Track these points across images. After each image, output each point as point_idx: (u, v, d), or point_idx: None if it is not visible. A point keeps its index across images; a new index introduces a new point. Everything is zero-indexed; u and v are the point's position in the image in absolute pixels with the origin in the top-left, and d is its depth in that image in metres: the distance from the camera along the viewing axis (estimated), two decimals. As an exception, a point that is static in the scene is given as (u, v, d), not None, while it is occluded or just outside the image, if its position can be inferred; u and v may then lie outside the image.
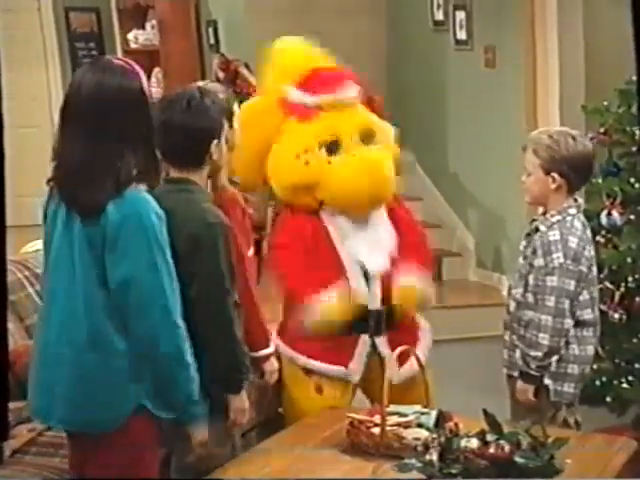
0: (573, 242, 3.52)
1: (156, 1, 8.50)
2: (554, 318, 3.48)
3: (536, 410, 3.49)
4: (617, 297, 4.66)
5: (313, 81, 3.80)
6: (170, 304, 2.80)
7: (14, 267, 4.02)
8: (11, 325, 3.74)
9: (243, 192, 3.62)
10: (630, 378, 4.65)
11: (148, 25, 9.11)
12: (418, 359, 3.49)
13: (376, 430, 3.14)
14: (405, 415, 3.22)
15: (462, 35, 7.19)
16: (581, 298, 3.55)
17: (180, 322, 2.83)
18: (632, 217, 4.71)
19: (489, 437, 2.80)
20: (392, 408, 3.21)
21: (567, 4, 6.43)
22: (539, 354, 3.51)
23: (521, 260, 3.64)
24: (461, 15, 7.17)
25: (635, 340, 4.65)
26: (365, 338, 3.78)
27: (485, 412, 2.87)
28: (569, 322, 3.51)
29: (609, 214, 4.71)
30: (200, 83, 3.56)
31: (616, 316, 4.64)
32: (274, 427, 3.72)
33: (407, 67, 7.91)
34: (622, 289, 4.66)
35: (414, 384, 3.68)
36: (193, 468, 3.21)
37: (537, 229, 3.59)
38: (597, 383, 4.58)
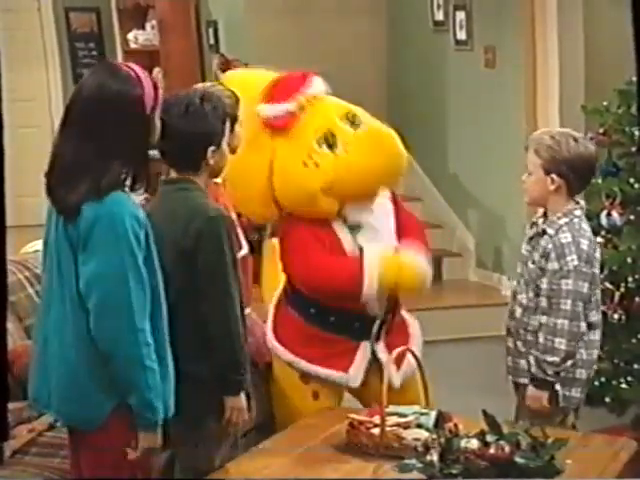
0: (584, 244, 3.49)
1: (156, 1, 8.49)
2: (570, 322, 3.44)
3: (545, 416, 3.46)
4: (617, 297, 4.65)
5: (278, 91, 3.73)
6: (134, 307, 2.76)
7: (14, 267, 4.02)
8: (10, 325, 3.74)
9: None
10: (629, 378, 4.65)
11: (148, 25, 9.11)
12: (417, 358, 3.48)
13: (376, 431, 3.14)
14: (405, 416, 3.22)
15: (462, 35, 7.19)
16: (591, 302, 3.53)
17: (144, 326, 2.78)
18: (632, 217, 4.71)
19: (489, 438, 2.80)
20: (392, 408, 3.21)
21: (567, 4, 6.44)
22: (556, 359, 3.46)
23: (530, 265, 3.57)
24: (461, 15, 7.17)
25: (634, 340, 4.65)
26: (366, 344, 3.75)
27: (485, 413, 2.87)
28: (584, 325, 3.48)
29: (609, 214, 4.71)
30: (208, 84, 3.56)
31: (615, 316, 4.64)
32: (274, 427, 3.72)
33: (407, 67, 7.91)
34: (622, 289, 4.66)
35: (410, 385, 3.68)
36: (195, 468, 3.22)
37: (544, 232, 3.55)
38: (596, 383, 4.57)
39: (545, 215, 3.61)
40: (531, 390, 3.54)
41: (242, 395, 3.17)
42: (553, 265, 3.48)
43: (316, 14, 7.85)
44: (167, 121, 3.08)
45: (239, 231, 3.50)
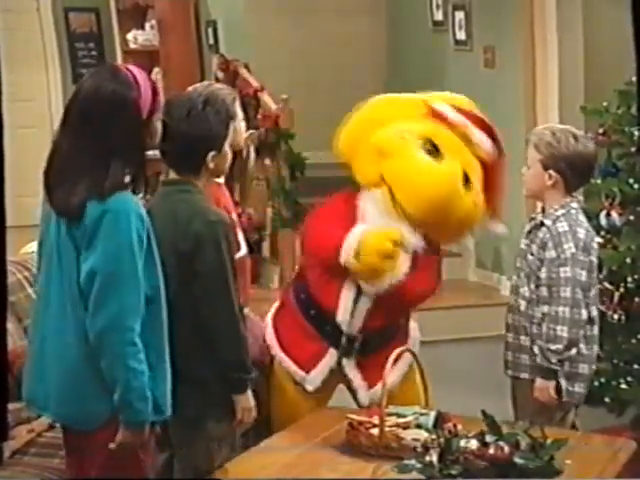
0: (581, 233, 3.53)
1: (155, 1, 8.49)
2: (571, 309, 3.47)
3: (545, 412, 3.48)
4: (616, 298, 4.66)
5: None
6: (126, 304, 2.76)
7: (14, 268, 4.02)
8: (10, 325, 3.74)
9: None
10: (629, 379, 4.66)
11: (147, 25, 9.11)
12: (416, 358, 3.47)
13: (375, 431, 3.14)
14: (404, 416, 3.21)
15: (461, 35, 7.19)
16: (590, 294, 3.55)
17: (134, 326, 2.77)
18: (631, 218, 4.72)
19: (488, 438, 2.80)
20: (391, 409, 3.21)
21: (567, 4, 6.43)
22: (559, 347, 3.48)
23: (529, 257, 3.61)
24: (460, 15, 7.17)
25: (634, 341, 4.66)
26: (334, 353, 3.66)
27: (484, 413, 2.88)
28: (585, 313, 3.51)
29: (608, 215, 4.72)
30: (208, 84, 3.55)
31: (615, 317, 4.64)
32: (272, 427, 3.71)
33: (407, 67, 7.91)
34: (621, 290, 4.67)
35: (408, 387, 3.66)
36: (195, 468, 3.22)
37: (542, 224, 3.59)
38: (596, 383, 4.57)
39: (543, 211, 3.66)
40: (538, 381, 3.55)
41: (250, 394, 3.18)
42: (550, 254, 3.52)
43: (316, 14, 7.86)
44: (169, 123, 3.08)
45: (239, 231, 3.50)
